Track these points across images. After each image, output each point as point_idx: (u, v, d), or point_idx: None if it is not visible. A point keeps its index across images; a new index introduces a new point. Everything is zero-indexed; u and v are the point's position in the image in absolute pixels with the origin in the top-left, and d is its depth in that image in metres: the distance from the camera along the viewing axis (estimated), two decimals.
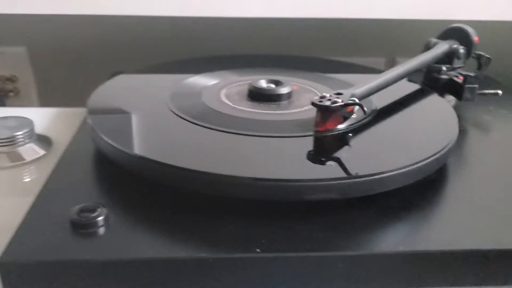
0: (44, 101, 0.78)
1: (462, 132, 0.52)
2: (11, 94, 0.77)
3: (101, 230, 0.34)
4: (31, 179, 0.45)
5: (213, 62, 0.65)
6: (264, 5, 0.68)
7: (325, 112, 0.42)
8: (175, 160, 0.37)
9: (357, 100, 0.43)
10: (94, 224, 0.34)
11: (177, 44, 0.75)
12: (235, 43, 0.75)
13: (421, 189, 0.41)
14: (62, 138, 0.50)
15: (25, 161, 0.47)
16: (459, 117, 0.49)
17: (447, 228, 0.36)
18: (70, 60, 0.77)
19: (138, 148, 0.41)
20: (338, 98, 0.42)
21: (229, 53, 0.72)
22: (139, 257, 0.32)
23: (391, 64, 0.78)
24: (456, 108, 0.57)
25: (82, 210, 0.35)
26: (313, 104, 0.42)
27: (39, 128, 0.52)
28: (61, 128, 0.54)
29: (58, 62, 0.77)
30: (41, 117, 0.56)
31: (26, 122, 0.50)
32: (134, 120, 0.47)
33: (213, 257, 0.32)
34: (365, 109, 0.42)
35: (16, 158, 0.47)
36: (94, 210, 0.35)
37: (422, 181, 0.40)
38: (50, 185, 0.40)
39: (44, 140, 0.51)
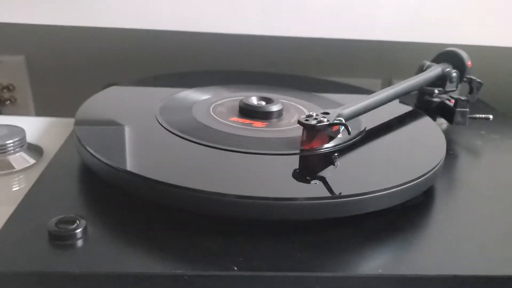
0: (41, 110, 0.79)
1: (452, 155, 0.52)
2: (8, 102, 0.77)
3: (79, 243, 0.34)
4: (20, 188, 0.45)
5: (205, 77, 0.65)
6: (261, 23, 0.69)
7: (310, 131, 0.42)
8: (156, 175, 0.37)
9: (343, 120, 0.43)
10: (72, 236, 0.34)
11: (172, 57, 0.76)
12: (230, 59, 0.75)
13: (406, 212, 0.40)
14: (53, 148, 0.50)
15: (14, 170, 0.47)
16: (450, 140, 0.49)
17: (428, 253, 0.36)
18: (68, 70, 0.77)
19: (121, 161, 0.40)
20: (324, 117, 0.42)
21: (223, 69, 0.72)
22: (114, 271, 0.32)
23: (387, 85, 0.78)
24: (447, 131, 0.57)
25: (60, 222, 0.34)
26: (299, 122, 0.42)
27: (31, 137, 0.52)
28: (53, 137, 0.54)
29: (56, 72, 0.77)
30: (33, 126, 0.57)
31: (18, 131, 0.50)
32: (121, 132, 0.47)
33: (188, 274, 0.32)
34: (350, 129, 0.42)
35: (6, 166, 0.47)
36: (72, 222, 0.34)
37: (407, 203, 0.40)
38: (32, 195, 0.40)
39: (35, 149, 0.51)
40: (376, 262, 0.35)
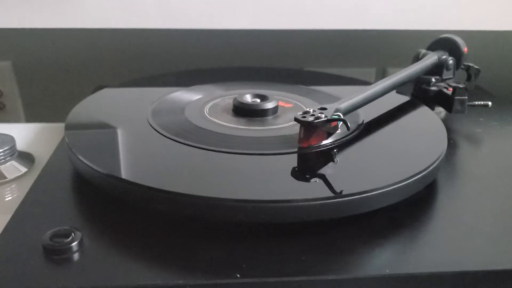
0: (30, 116, 0.77)
1: (452, 144, 0.51)
2: None
3: (75, 256, 0.33)
4: (13, 197, 0.44)
5: (197, 75, 0.64)
6: (252, 17, 0.67)
7: (308, 128, 0.41)
8: (152, 181, 0.36)
9: (341, 116, 0.42)
10: (67, 250, 0.33)
11: (161, 56, 0.75)
12: (222, 55, 0.74)
13: (409, 207, 0.39)
14: (45, 155, 0.49)
15: (6, 179, 0.46)
16: (449, 129, 0.48)
17: (435, 249, 0.35)
18: (57, 74, 0.76)
19: (114, 168, 0.39)
20: (321, 113, 0.41)
21: (214, 65, 0.71)
22: (113, 284, 0.31)
23: (382, 74, 0.77)
24: (446, 120, 0.56)
25: (55, 235, 0.33)
26: (296, 120, 0.41)
27: (21, 145, 0.51)
28: (44, 144, 0.53)
29: (44, 76, 0.76)
30: (23, 133, 0.56)
31: (7, 139, 0.49)
32: (113, 138, 0.46)
33: (190, 284, 0.31)
34: (349, 125, 0.41)
35: None
36: (67, 235, 0.33)
37: (410, 198, 0.39)
38: (24, 207, 0.38)
39: (26, 157, 0.50)
40: (383, 261, 0.34)
